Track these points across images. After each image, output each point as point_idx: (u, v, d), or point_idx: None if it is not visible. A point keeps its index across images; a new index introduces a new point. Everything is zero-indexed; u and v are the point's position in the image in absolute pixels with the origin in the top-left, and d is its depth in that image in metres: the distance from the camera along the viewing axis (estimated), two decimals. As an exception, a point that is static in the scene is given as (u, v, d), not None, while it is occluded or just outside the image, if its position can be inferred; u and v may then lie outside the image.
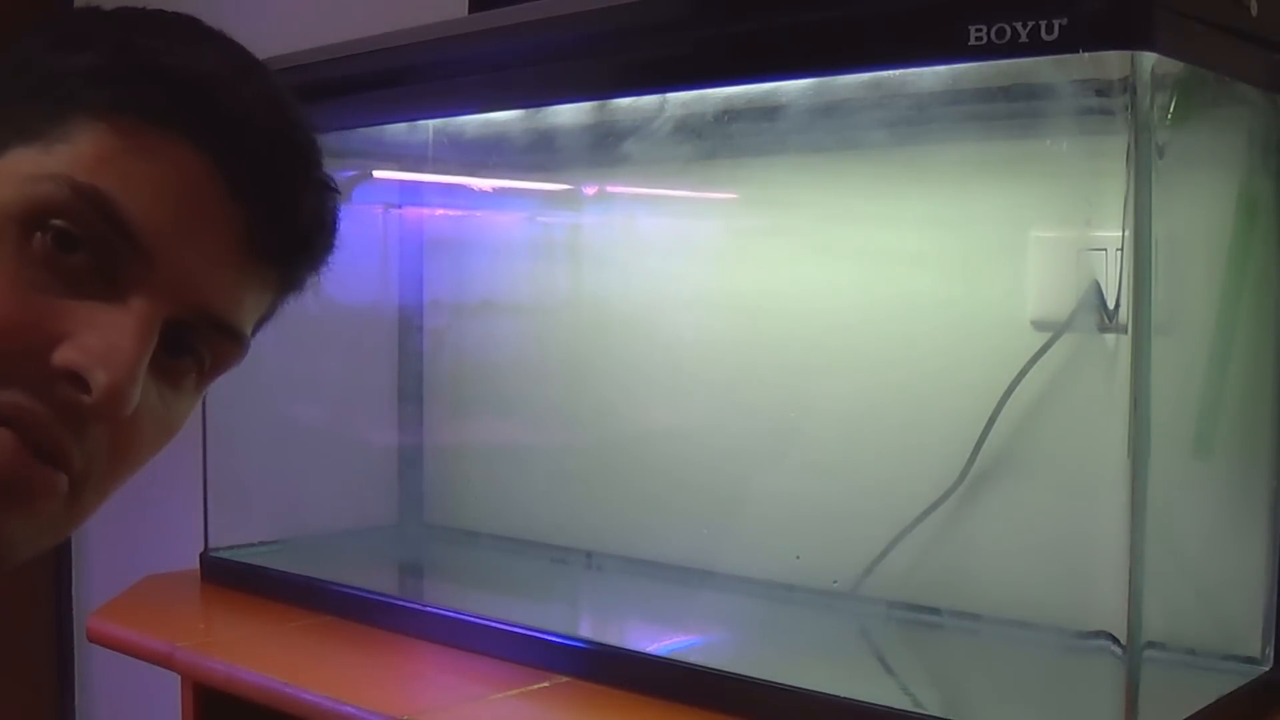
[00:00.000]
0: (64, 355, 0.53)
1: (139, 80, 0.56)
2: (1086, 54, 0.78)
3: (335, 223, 0.64)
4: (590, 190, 1.36)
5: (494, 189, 1.42)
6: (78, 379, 0.53)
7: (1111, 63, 0.80)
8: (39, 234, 0.53)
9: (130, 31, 0.58)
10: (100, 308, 0.54)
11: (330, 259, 0.65)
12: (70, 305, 0.54)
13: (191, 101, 0.56)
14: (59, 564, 2.09)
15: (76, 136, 0.54)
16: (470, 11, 1.23)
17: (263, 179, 0.58)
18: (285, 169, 0.60)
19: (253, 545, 1.35)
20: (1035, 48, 0.77)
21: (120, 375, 0.53)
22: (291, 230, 0.61)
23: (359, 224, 1.49)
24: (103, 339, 0.53)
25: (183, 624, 1.20)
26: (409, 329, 1.50)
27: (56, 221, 0.53)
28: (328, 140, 1.34)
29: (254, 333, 0.63)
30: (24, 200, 0.54)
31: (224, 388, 1.40)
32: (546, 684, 0.99)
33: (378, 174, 1.45)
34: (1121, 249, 0.81)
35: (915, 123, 0.98)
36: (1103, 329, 0.93)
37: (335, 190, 0.64)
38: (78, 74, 0.56)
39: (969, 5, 0.79)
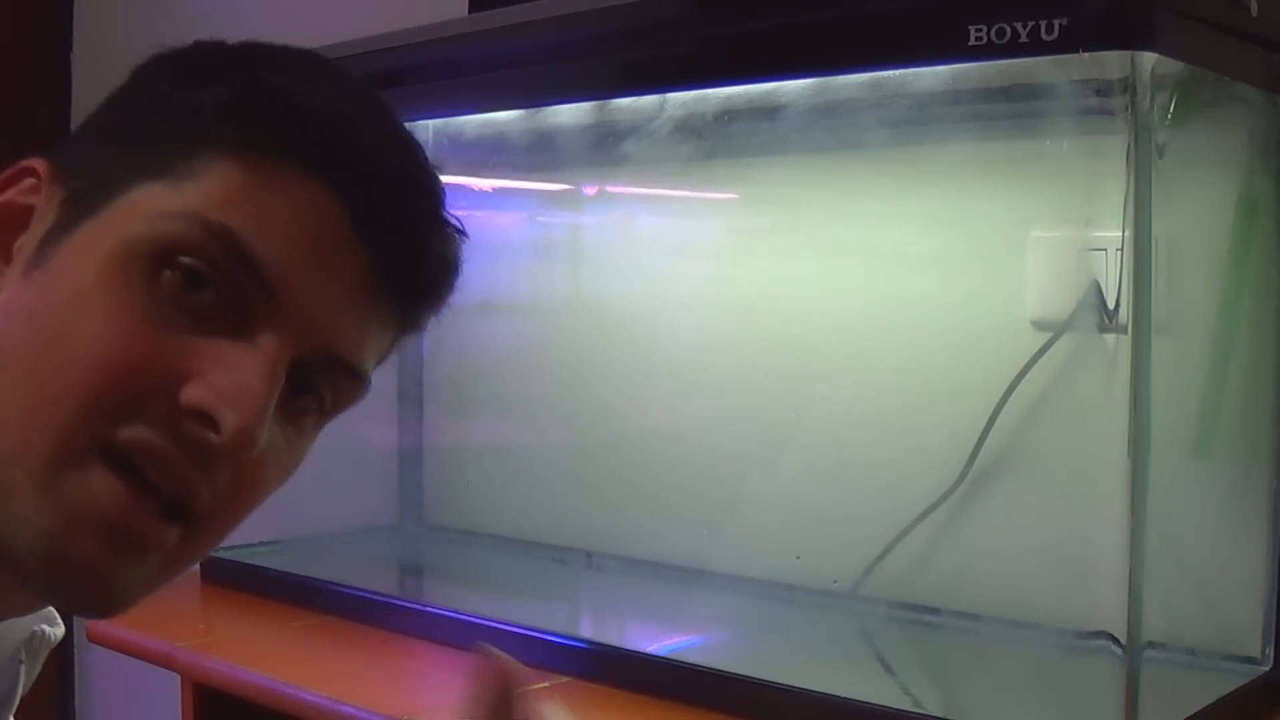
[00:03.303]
0: (192, 394, 0.52)
1: (270, 117, 0.55)
2: (1086, 54, 0.78)
3: (459, 264, 0.64)
4: (590, 190, 1.36)
5: (494, 189, 1.42)
6: (206, 418, 0.52)
7: (1111, 63, 0.80)
8: (168, 271, 0.53)
9: (259, 67, 0.57)
10: (229, 346, 0.54)
11: (451, 300, 0.64)
12: (198, 343, 0.53)
13: (322, 140, 0.55)
14: (59, 564, 2.08)
15: (206, 173, 0.54)
16: (470, 11, 1.23)
17: (390, 220, 0.57)
18: (412, 211, 0.60)
19: (253, 545, 1.35)
20: (1035, 48, 0.77)
21: (250, 416, 0.53)
22: (417, 272, 0.60)
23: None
24: (232, 378, 0.53)
25: (183, 624, 1.20)
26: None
27: (185, 259, 0.53)
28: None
29: (373, 370, 0.62)
30: (154, 238, 0.53)
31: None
32: (546, 684, 0.99)
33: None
34: (1121, 249, 0.81)
35: (915, 123, 0.98)
36: (1103, 329, 0.93)
37: (461, 232, 0.64)
38: (208, 109, 0.55)
39: (969, 5, 0.79)
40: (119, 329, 0.52)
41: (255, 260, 0.54)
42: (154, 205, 0.54)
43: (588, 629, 1.20)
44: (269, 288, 0.54)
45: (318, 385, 0.58)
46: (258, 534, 1.37)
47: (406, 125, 0.61)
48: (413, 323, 0.63)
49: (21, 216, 0.57)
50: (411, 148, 0.60)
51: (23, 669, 0.71)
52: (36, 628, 0.69)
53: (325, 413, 0.60)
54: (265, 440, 0.54)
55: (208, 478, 0.54)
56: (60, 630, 0.72)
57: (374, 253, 0.57)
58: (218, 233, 0.53)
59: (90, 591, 0.54)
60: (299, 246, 0.55)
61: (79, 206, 0.55)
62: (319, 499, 1.44)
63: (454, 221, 0.63)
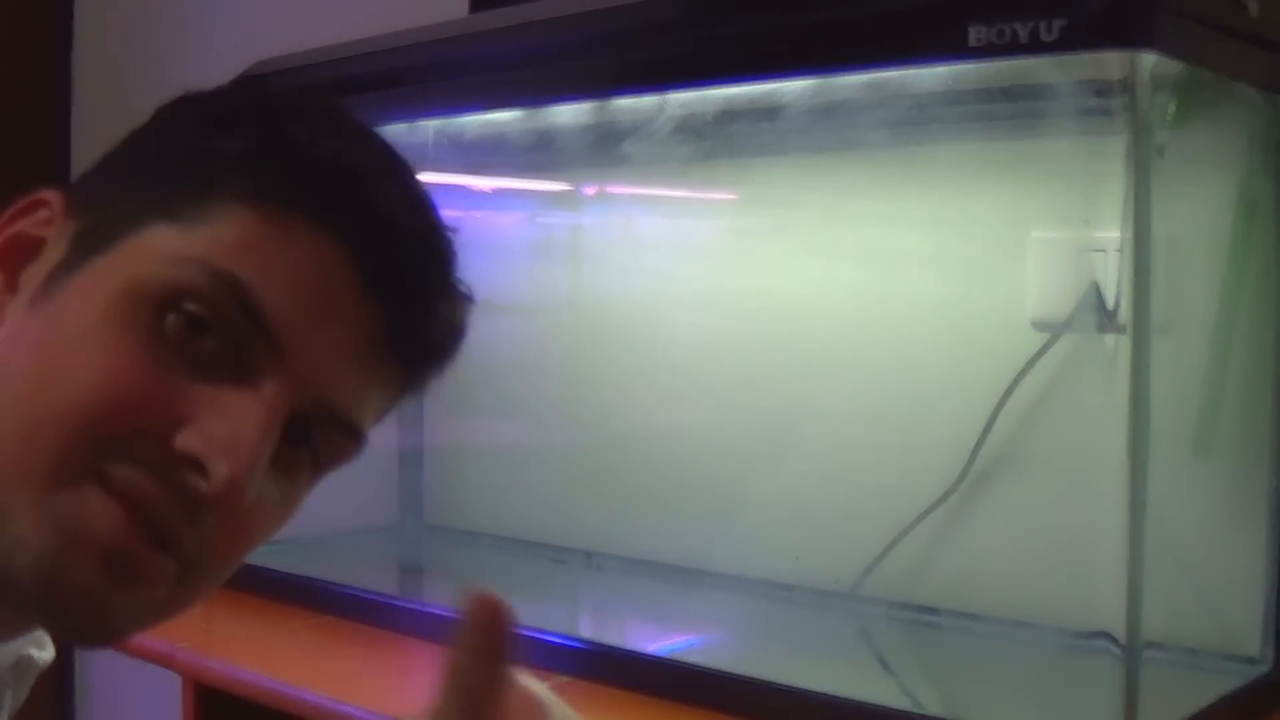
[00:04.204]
0: (186, 440, 0.52)
1: (286, 169, 0.55)
2: (1086, 54, 0.78)
3: (465, 331, 0.64)
4: (590, 190, 1.36)
5: (494, 189, 1.42)
6: (198, 465, 0.52)
7: (1111, 63, 0.80)
8: (172, 315, 0.53)
9: (280, 118, 0.57)
10: (227, 394, 0.53)
11: (455, 364, 0.64)
12: (198, 389, 0.53)
13: (337, 195, 0.55)
14: (59, 564, 2.08)
15: (218, 220, 0.54)
16: (470, 11, 1.23)
17: (400, 280, 0.57)
18: (423, 272, 0.59)
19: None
20: (1035, 48, 0.77)
21: (241, 467, 0.52)
22: (424, 334, 0.60)
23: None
24: (227, 427, 0.52)
25: (183, 624, 1.19)
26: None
27: (190, 306, 0.53)
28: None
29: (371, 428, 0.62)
30: (161, 281, 0.53)
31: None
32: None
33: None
34: (1121, 249, 0.81)
35: (915, 123, 0.98)
36: (1103, 329, 0.93)
37: (469, 299, 0.63)
38: (225, 156, 0.55)
39: (969, 5, 0.79)
40: (119, 366, 0.52)
41: (260, 311, 0.53)
42: (164, 248, 0.54)
43: (588, 629, 1.20)
44: (272, 339, 0.54)
45: (314, 439, 0.58)
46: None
47: (424, 186, 0.61)
48: (415, 384, 0.63)
49: (32, 247, 0.57)
50: (426, 207, 0.60)
51: (9, 693, 0.70)
52: (24, 651, 0.69)
53: (320, 467, 0.60)
54: (256, 491, 0.53)
55: (193, 525, 0.53)
56: (49, 655, 0.71)
57: (381, 311, 0.56)
58: (225, 281, 0.53)
59: (86, 618, 0.54)
60: (306, 300, 0.54)
61: (90, 242, 0.55)
62: (319, 499, 1.45)
63: (463, 286, 0.63)
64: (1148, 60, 0.79)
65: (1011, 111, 0.97)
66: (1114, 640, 0.81)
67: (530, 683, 0.61)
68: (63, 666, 2.09)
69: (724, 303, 1.22)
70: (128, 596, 0.54)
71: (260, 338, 0.54)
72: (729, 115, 1.08)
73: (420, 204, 0.60)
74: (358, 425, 0.59)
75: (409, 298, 0.58)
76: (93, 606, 0.53)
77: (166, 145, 0.58)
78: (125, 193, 0.56)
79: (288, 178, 0.55)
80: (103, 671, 2.05)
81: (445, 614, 1.12)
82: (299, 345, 0.54)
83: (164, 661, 1.10)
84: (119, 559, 0.52)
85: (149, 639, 1.13)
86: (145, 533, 0.53)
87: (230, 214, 0.54)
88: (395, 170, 0.60)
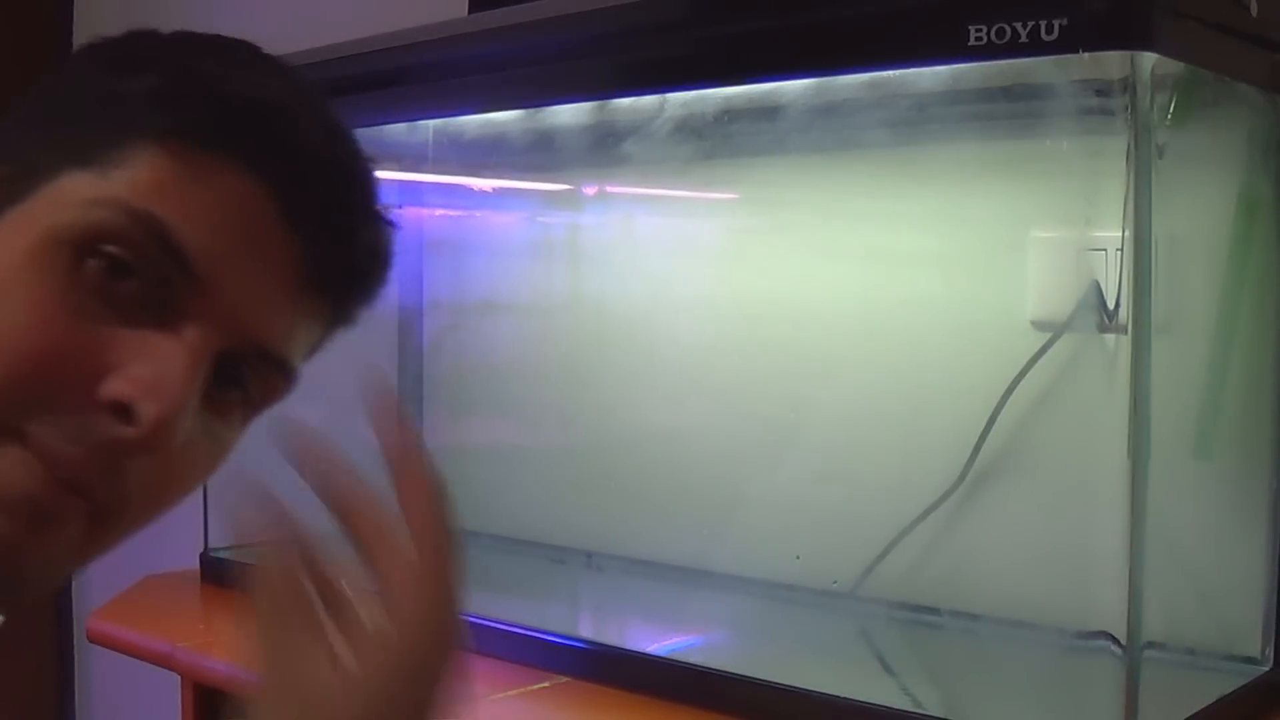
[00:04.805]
0: (112, 386, 0.52)
1: (199, 105, 0.54)
2: (1086, 54, 0.78)
3: (390, 257, 0.63)
4: (590, 190, 1.36)
5: (494, 189, 1.42)
6: (125, 410, 0.52)
7: (1111, 63, 0.80)
8: (91, 260, 0.52)
9: (191, 56, 0.57)
10: (151, 337, 0.53)
11: (383, 293, 0.64)
12: (121, 334, 0.53)
13: (252, 129, 0.55)
14: (59, 564, 2.08)
15: (134, 161, 0.53)
16: (470, 11, 1.23)
17: (320, 210, 0.57)
18: (343, 200, 0.59)
19: (253, 545, 1.35)
20: (1035, 48, 0.77)
21: (169, 408, 0.52)
22: (348, 263, 0.60)
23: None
24: (153, 370, 0.52)
25: (183, 624, 1.20)
26: (409, 329, 1.50)
27: (110, 248, 0.52)
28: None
29: (302, 364, 0.62)
30: (78, 226, 0.52)
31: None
32: (546, 684, 0.99)
33: (378, 174, 1.45)
34: (1121, 249, 0.81)
35: (915, 123, 0.98)
36: (1103, 329, 0.93)
37: (392, 224, 0.63)
38: (137, 97, 0.55)
39: (969, 5, 0.79)
40: (39, 318, 0.52)
41: (181, 249, 0.53)
42: (80, 193, 0.53)
43: (587, 629, 1.19)
44: (194, 277, 0.53)
45: (245, 378, 0.57)
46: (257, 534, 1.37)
47: (340, 116, 0.60)
48: (344, 316, 0.63)
49: None
50: (343, 137, 0.60)
51: None
52: None
53: (253, 406, 0.59)
54: (185, 432, 0.53)
55: (113, 477, 0.53)
56: None
57: (302, 243, 0.56)
58: (143, 220, 0.52)
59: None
60: (226, 236, 0.54)
61: (5, 194, 0.54)
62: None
63: (385, 213, 0.62)
64: (1148, 60, 0.79)
65: (1011, 111, 0.97)
66: (1114, 640, 0.81)
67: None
68: (63, 666, 2.09)
69: (724, 303, 1.22)
70: (39, 543, 0.53)
71: (182, 277, 0.53)
72: (729, 115, 1.08)
73: (336, 133, 0.59)
74: (287, 361, 0.59)
75: (330, 227, 0.58)
76: (6, 558, 0.52)
77: (77, 91, 0.57)
78: (39, 142, 0.56)
79: (201, 114, 0.54)
80: (103, 671, 2.05)
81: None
82: (222, 282, 0.54)
83: (164, 661, 1.10)
84: (27, 503, 0.52)
85: (149, 639, 1.14)
86: (63, 485, 0.52)
87: (145, 155, 0.53)
88: (309, 101, 0.59)
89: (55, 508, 0.53)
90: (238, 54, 0.59)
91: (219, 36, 0.60)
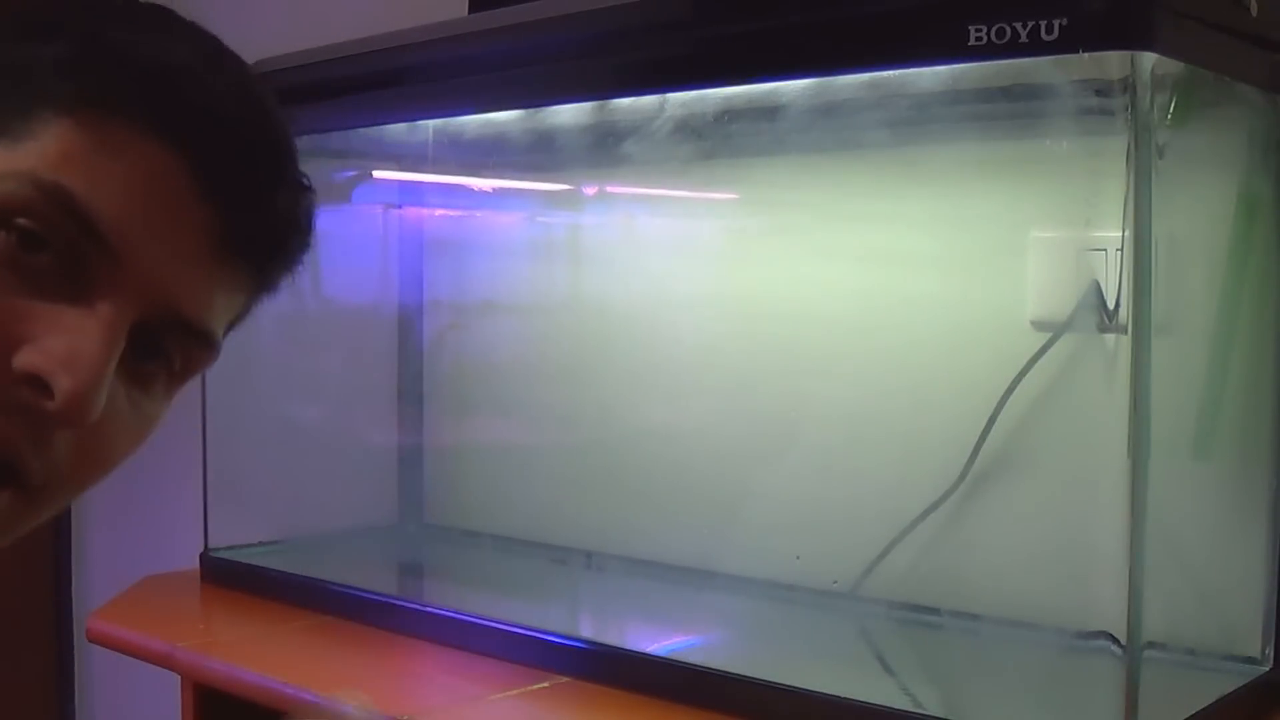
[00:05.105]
0: (25, 359, 0.51)
1: (107, 73, 0.53)
2: (1086, 54, 0.78)
3: (310, 222, 0.62)
4: (590, 190, 1.36)
5: (494, 189, 1.42)
6: (40, 383, 0.51)
7: (1111, 63, 0.80)
8: (2, 233, 0.52)
9: (100, 21, 0.56)
10: (66, 310, 0.52)
11: (305, 259, 0.63)
12: (34, 307, 0.52)
13: (161, 95, 0.54)
14: (59, 564, 2.09)
15: (42, 132, 0.52)
16: (470, 11, 1.23)
17: (234, 176, 0.56)
18: (258, 165, 0.58)
19: (253, 545, 1.35)
20: (1035, 48, 0.77)
21: (84, 380, 0.51)
22: (264, 229, 0.59)
23: (359, 224, 1.49)
24: (67, 342, 0.52)
25: (183, 624, 1.20)
26: (409, 329, 1.50)
27: (20, 220, 0.51)
28: (328, 140, 1.34)
29: (226, 334, 0.61)
30: None
31: (224, 387, 1.40)
32: (546, 684, 0.99)
33: (378, 174, 1.45)
34: (1121, 249, 0.81)
35: (915, 123, 0.98)
36: (1103, 329, 0.93)
37: (309, 189, 0.61)
38: (44, 65, 0.54)
39: (969, 5, 0.79)
40: None
41: (92, 220, 0.52)
42: None
43: (587, 629, 1.20)
44: (107, 248, 0.53)
45: (166, 349, 0.57)
46: (258, 534, 1.37)
47: (253, 73, 0.59)
48: (266, 283, 0.62)
49: None
50: (258, 100, 0.59)
51: None
52: None
53: (176, 377, 0.59)
54: (103, 405, 0.52)
55: (39, 448, 0.53)
56: None
57: (218, 210, 0.55)
58: (52, 192, 0.52)
59: None
60: (138, 205, 0.53)
61: None
62: (319, 499, 1.45)
63: (303, 178, 0.61)
64: (1148, 60, 0.79)
65: (1011, 111, 0.97)
66: (1114, 640, 0.81)
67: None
68: (62, 666, 2.09)
69: (724, 303, 1.22)
70: None
71: (95, 249, 0.53)
72: (729, 115, 1.08)
73: (251, 95, 0.58)
74: (208, 330, 0.58)
75: (245, 193, 0.57)
76: None
77: None
78: None
79: (109, 82, 0.53)
80: (103, 671, 2.05)
81: (445, 614, 1.12)
82: (136, 253, 0.53)
83: (164, 661, 1.10)
84: None
85: (149, 639, 1.14)
86: None
87: (54, 125, 0.53)
88: (221, 63, 0.58)
89: None
90: (149, 18, 0.58)
91: (130, 0, 0.59)
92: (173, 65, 0.55)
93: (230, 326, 0.61)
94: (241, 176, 0.57)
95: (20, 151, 0.52)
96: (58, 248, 0.52)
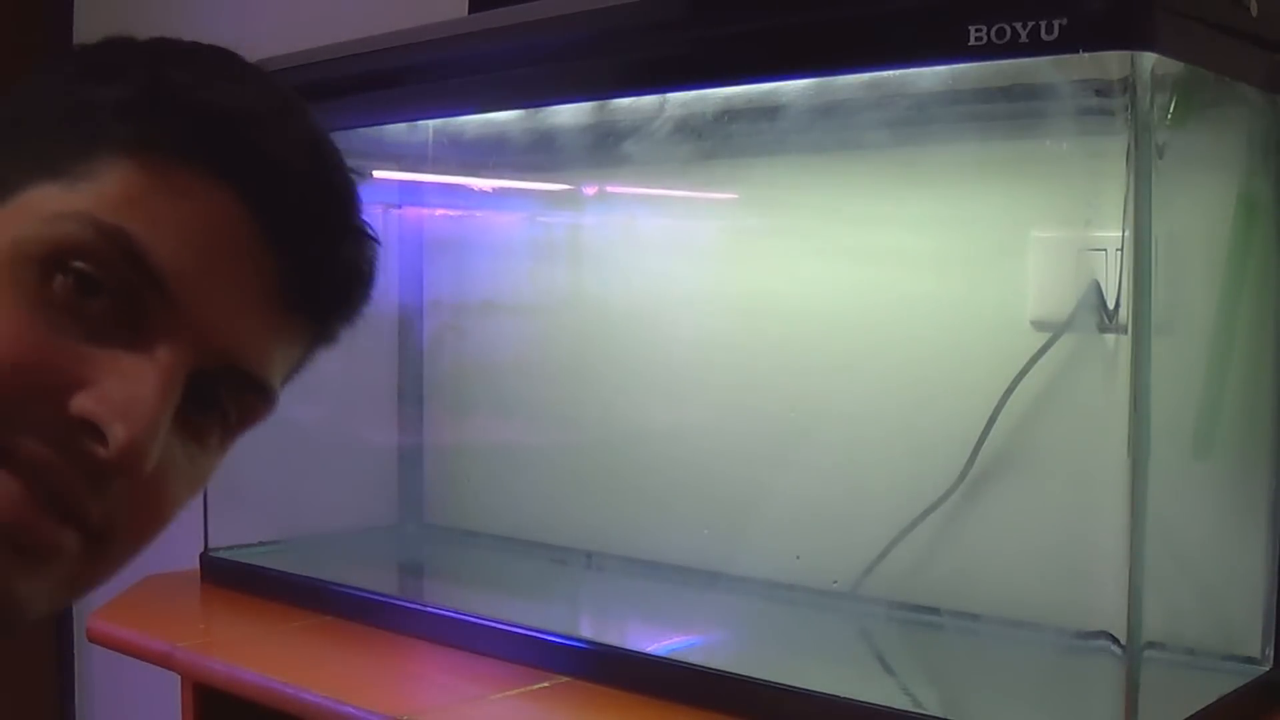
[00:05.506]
0: (81, 404, 0.50)
1: (171, 116, 0.53)
2: (1086, 54, 0.78)
3: (373, 273, 0.61)
4: (590, 190, 1.36)
5: (494, 189, 1.42)
6: (95, 430, 0.50)
7: (1111, 63, 0.80)
8: (60, 276, 0.50)
9: (163, 63, 0.55)
10: (123, 355, 0.51)
11: (365, 310, 0.62)
12: (91, 352, 0.51)
13: (226, 140, 0.53)
14: (59, 564, 2.08)
15: (103, 174, 0.51)
16: (470, 11, 1.23)
17: (298, 225, 0.55)
18: (322, 215, 0.57)
19: (253, 545, 1.35)
20: (1035, 48, 0.77)
21: (140, 430, 0.50)
22: (327, 281, 0.58)
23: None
24: (124, 389, 0.50)
25: (183, 624, 1.20)
26: (409, 329, 1.50)
27: (78, 264, 0.50)
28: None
29: (283, 385, 0.60)
30: (45, 240, 0.51)
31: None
32: (546, 684, 0.99)
33: (378, 174, 1.45)
34: (1121, 249, 0.81)
35: (915, 123, 0.98)
36: (1103, 329, 0.93)
37: (374, 239, 0.60)
38: (106, 107, 0.53)
39: (969, 5, 0.79)
40: (6, 333, 0.50)
41: (150, 264, 0.51)
42: (48, 207, 0.51)
43: (588, 629, 1.19)
44: (166, 294, 0.52)
45: (222, 400, 0.56)
46: (258, 534, 1.37)
47: (322, 126, 0.58)
48: (325, 334, 0.61)
49: None
50: (324, 148, 0.58)
51: None
52: None
53: (230, 429, 0.57)
54: (159, 455, 0.51)
55: (98, 493, 0.51)
56: None
57: (280, 259, 0.54)
58: (111, 235, 0.51)
59: None
60: (198, 251, 0.52)
61: None
62: (319, 499, 1.45)
63: (368, 227, 0.60)
64: (1148, 60, 0.79)
65: (1011, 111, 0.97)
66: (1114, 640, 0.81)
67: None
68: (62, 666, 2.09)
69: (724, 303, 1.22)
70: (31, 576, 0.51)
71: (153, 294, 0.51)
72: (729, 115, 1.08)
73: (316, 144, 0.57)
74: (265, 381, 0.57)
75: (308, 242, 0.56)
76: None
77: (45, 100, 0.55)
78: (6, 154, 0.54)
79: (172, 125, 0.52)
80: (103, 671, 2.05)
81: (445, 614, 1.12)
82: (195, 299, 0.52)
83: (164, 661, 1.10)
84: (21, 536, 0.50)
85: (149, 639, 1.14)
86: (47, 506, 0.50)
87: (115, 167, 0.52)
88: (287, 111, 0.57)
89: (44, 535, 0.51)
90: (213, 61, 0.57)
91: (195, 43, 0.58)
92: (239, 110, 0.54)
93: (288, 378, 0.60)
94: (307, 226, 0.56)
95: (79, 193, 0.51)
96: (115, 292, 0.51)
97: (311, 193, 0.56)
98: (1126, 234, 0.80)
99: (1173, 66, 0.84)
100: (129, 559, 0.56)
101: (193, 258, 0.52)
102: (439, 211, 1.51)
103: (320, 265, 0.57)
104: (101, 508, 0.52)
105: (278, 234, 0.54)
